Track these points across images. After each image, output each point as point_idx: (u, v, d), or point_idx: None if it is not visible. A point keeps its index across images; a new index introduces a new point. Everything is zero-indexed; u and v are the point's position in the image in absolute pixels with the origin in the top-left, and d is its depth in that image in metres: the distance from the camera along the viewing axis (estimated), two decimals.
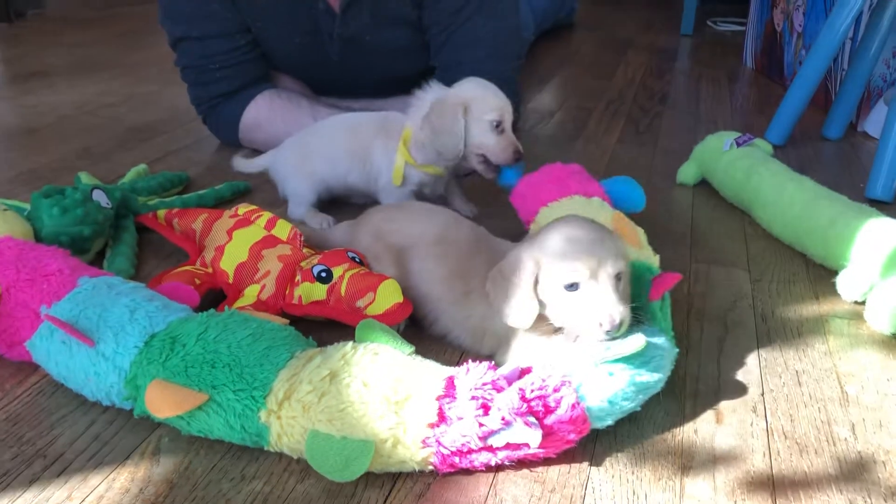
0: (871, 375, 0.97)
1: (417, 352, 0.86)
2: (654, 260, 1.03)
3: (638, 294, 0.92)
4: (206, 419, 0.79)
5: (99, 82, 2.31)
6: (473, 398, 0.77)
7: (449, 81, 1.60)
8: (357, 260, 1.05)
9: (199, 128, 1.78)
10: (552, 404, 0.78)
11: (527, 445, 0.76)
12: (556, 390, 0.78)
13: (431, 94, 1.29)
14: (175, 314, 0.88)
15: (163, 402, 0.77)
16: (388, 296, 0.97)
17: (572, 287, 0.85)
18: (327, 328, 1.00)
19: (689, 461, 0.81)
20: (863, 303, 1.10)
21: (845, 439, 0.85)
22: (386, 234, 1.08)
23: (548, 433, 0.77)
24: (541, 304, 0.88)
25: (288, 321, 0.91)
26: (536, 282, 0.87)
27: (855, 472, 0.80)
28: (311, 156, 1.38)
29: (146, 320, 0.85)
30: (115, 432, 0.84)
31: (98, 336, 0.84)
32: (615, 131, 1.94)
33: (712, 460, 0.81)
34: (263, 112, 1.62)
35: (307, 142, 1.40)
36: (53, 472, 0.78)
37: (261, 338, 0.83)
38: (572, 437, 0.79)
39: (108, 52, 2.75)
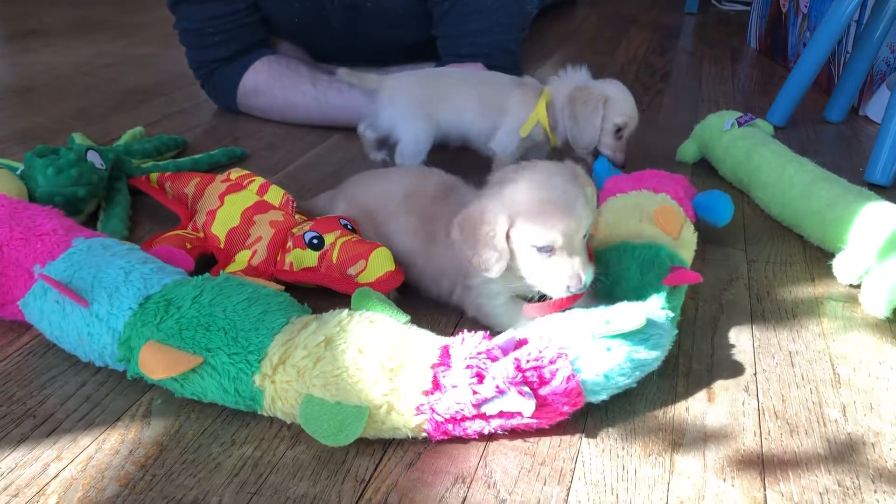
0: (863, 358, 0.97)
1: (413, 321, 0.86)
2: (685, 254, 1.03)
3: (651, 278, 0.93)
4: (199, 382, 0.79)
5: (97, 43, 2.28)
6: (468, 367, 0.77)
7: (451, 51, 1.60)
8: (349, 227, 1.04)
9: (198, 92, 1.76)
10: (547, 375, 0.78)
11: (520, 415, 0.76)
12: (551, 362, 0.78)
13: (574, 77, 1.34)
14: (170, 277, 0.87)
15: (157, 364, 0.77)
16: (379, 263, 0.97)
17: (544, 249, 0.86)
18: (322, 297, 0.99)
19: (679, 438, 0.81)
20: (858, 286, 1.10)
21: (836, 420, 0.85)
22: (360, 198, 1.10)
23: (542, 404, 0.77)
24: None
25: (283, 287, 0.91)
26: (507, 236, 0.87)
27: (844, 453, 0.81)
28: (434, 100, 1.35)
29: (141, 282, 0.85)
30: (106, 394, 0.84)
31: (92, 297, 0.84)
32: None
33: (703, 438, 0.81)
34: (262, 78, 1.61)
35: (429, 85, 1.37)
36: (43, 433, 0.78)
37: (256, 302, 0.83)
38: (566, 409, 0.79)
39: (107, 12, 2.72)
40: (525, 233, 0.86)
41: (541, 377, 0.78)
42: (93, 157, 1.18)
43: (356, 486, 0.73)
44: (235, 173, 1.13)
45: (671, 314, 0.89)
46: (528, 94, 1.35)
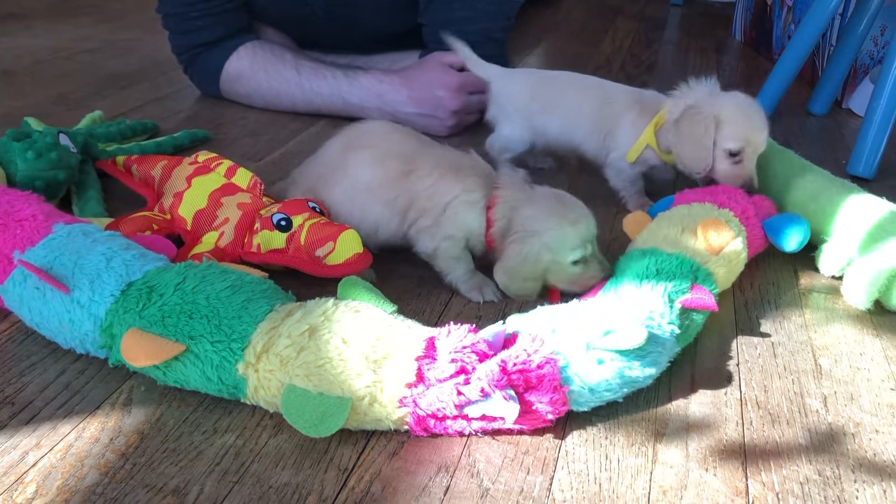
0: (844, 349, 0.98)
1: (400, 312, 0.85)
2: (719, 274, 0.98)
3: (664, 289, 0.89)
4: (182, 370, 0.78)
5: (78, 27, 2.25)
6: (453, 360, 0.76)
7: (436, 40, 1.59)
8: (317, 210, 1.04)
9: (180, 77, 1.74)
10: (533, 380, 0.77)
11: (502, 419, 0.76)
12: (539, 367, 0.77)
13: (697, 91, 1.21)
14: (152, 263, 0.86)
15: (139, 351, 0.76)
16: (347, 245, 0.97)
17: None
18: (306, 284, 0.99)
19: (662, 428, 0.81)
20: (840, 278, 1.11)
21: (817, 411, 0.86)
22: (304, 174, 1.14)
23: (525, 410, 0.76)
24: None
25: (267, 274, 0.90)
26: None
27: (825, 443, 0.81)
28: (544, 106, 1.30)
29: (123, 268, 0.84)
30: (87, 381, 0.83)
31: (73, 283, 0.83)
32: None
33: (685, 428, 0.82)
34: (245, 64, 1.59)
35: (540, 89, 1.32)
36: (22, 420, 0.77)
37: (240, 290, 0.82)
38: (550, 416, 0.78)
39: None
40: None
41: (526, 381, 0.76)
42: (64, 140, 1.17)
43: (339, 474, 0.73)
44: (203, 156, 1.12)
45: (676, 331, 0.86)
46: (643, 114, 1.24)
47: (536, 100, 1.30)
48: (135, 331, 0.78)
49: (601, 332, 0.80)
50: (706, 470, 0.76)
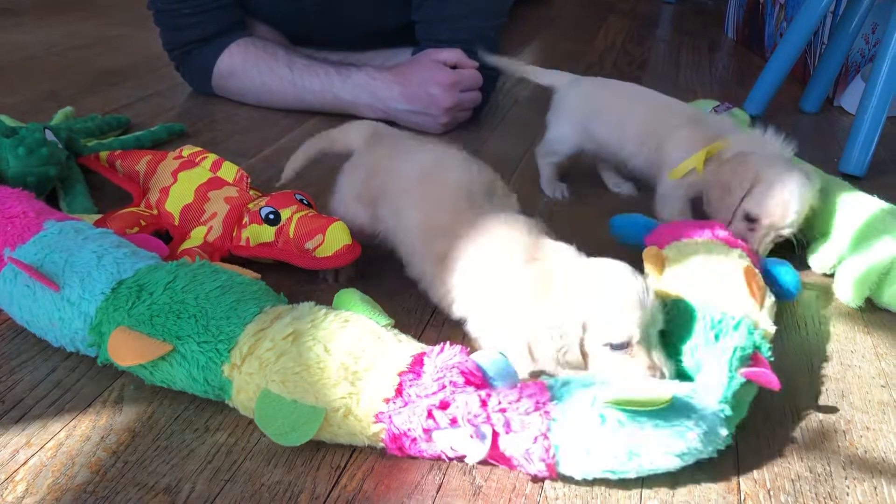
0: (835, 347, 0.98)
1: (395, 310, 0.84)
2: (768, 328, 0.87)
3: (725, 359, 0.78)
4: (169, 369, 0.78)
5: (69, 23, 2.24)
6: (437, 379, 0.73)
7: (429, 37, 1.59)
8: (305, 202, 1.04)
9: (172, 74, 1.74)
10: (515, 427, 0.71)
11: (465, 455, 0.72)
12: (526, 412, 0.71)
13: (762, 144, 1.11)
14: (143, 261, 0.86)
15: (125, 350, 0.76)
16: (336, 238, 0.97)
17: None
18: (299, 282, 0.99)
19: None
20: (832, 275, 1.11)
21: (808, 408, 0.86)
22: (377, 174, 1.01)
23: (498, 455, 0.72)
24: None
25: (259, 275, 0.89)
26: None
27: (816, 440, 0.81)
28: (596, 109, 1.26)
29: (114, 266, 0.84)
30: (77, 379, 0.82)
31: (63, 281, 0.83)
32: None
33: None
34: (238, 60, 1.59)
35: (599, 93, 1.29)
36: (12, 418, 0.77)
37: (230, 290, 0.82)
38: (532, 472, 0.72)
39: None
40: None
41: (507, 423, 0.71)
42: (50, 136, 1.17)
43: (331, 472, 0.73)
44: (188, 150, 1.12)
45: (727, 412, 0.73)
46: (697, 136, 1.15)
47: (590, 102, 1.27)
48: (122, 329, 0.78)
49: (614, 392, 0.71)
50: (698, 467, 0.76)
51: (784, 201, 1.04)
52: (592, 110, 1.26)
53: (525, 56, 2.28)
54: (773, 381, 0.78)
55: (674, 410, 0.70)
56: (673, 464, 0.71)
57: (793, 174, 1.06)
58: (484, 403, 0.71)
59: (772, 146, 1.11)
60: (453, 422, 0.71)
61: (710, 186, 1.11)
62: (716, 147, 1.12)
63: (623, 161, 1.25)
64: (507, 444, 0.71)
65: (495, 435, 0.71)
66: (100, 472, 0.71)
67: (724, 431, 0.73)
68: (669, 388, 0.72)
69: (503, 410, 0.71)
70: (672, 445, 0.70)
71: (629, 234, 1.08)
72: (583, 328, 0.77)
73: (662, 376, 0.77)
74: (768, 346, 0.83)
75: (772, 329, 0.87)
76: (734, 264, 0.91)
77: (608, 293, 0.77)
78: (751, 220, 1.06)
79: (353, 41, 1.70)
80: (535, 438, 0.70)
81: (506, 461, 0.73)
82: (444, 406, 0.72)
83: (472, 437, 0.70)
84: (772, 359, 0.82)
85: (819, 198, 1.09)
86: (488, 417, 0.71)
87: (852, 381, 0.91)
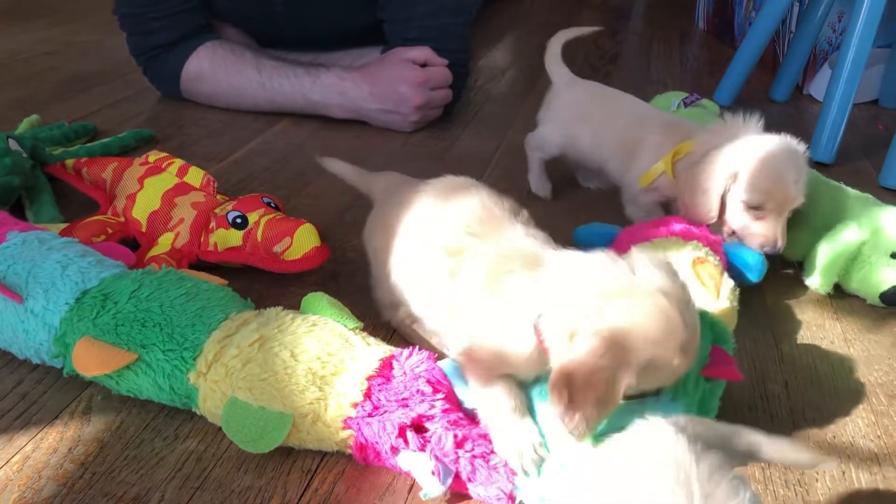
0: (805, 333, 0.99)
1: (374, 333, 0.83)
2: (730, 319, 0.87)
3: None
4: (134, 379, 0.77)
5: (36, 30, 2.21)
6: (407, 387, 0.73)
7: (398, 35, 1.58)
8: (273, 205, 1.04)
9: (140, 79, 1.72)
10: (481, 479, 0.70)
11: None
12: (495, 468, 0.70)
13: (732, 130, 1.06)
14: (109, 270, 0.85)
15: (90, 361, 0.75)
16: (305, 240, 0.97)
17: None
18: (268, 285, 0.98)
19: None
20: (801, 263, 1.12)
21: (778, 396, 0.87)
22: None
23: (460, 494, 0.71)
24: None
25: (226, 282, 0.89)
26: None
27: (786, 426, 0.82)
28: (581, 115, 1.24)
29: (78, 276, 0.83)
30: (44, 391, 0.81)
31: (27, 292, 0.82)
32: None
33: None
34: (205, 64, 1.57)
35: (585, 99, 1.26)
36: None
37: (195, 298, 0.81)
38: None
39: None
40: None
41: (473, 471, 0.70)
42: (14, 145, 1.15)
43: (302, 476, 0.73)
44: (154, 156, 1.11)
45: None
46: (669, 139, 1.12)
47: (577, 108, 1.27)
48: (87, 339, 0.77)
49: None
50: None
51: (780, 176, 0.99)
52: (578, 116, 1.26)
53: (497, 52, 2.28)
54: (734, 374, 0.76)
55: None
56: None
57: (776, 146, 1.02)
58: (459, 444, 0.70)
59: (734, 128, 1.06)
60: (422, 448, 0.70)
61: (682, 192, 1.07)
62: (683, 148, 1.09)
63: (600, 165, 1.23)
64: (475, 489, 0.70)
65: (458, 475, 0.70)
66: (67, 484, 0.70)
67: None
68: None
69: (474, 458, 0.70)
70: None
71: (593, 244, 1.06)
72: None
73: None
74: (729, 334, 0.82)
75: (731, 322, 0.86)
76: (682, 257, 0.90)
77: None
78: (754, 208, 1.01)
79: (322, 41, 1.69)
80: (498, 497, 0.69)
81: (466, 492, 0.72)
82: (417, 422, 0.72)
83: (433, 472, 0.69)
84: (734, 346, 0.82)
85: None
86: (457, 460, 0.70)
87: (821, 368, 0.92)
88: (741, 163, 1.01)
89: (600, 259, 0.69)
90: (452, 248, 0.78)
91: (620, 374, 0.64)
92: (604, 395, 0.64)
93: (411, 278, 0.83)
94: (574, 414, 0.64)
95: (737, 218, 1.03)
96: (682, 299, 0.66)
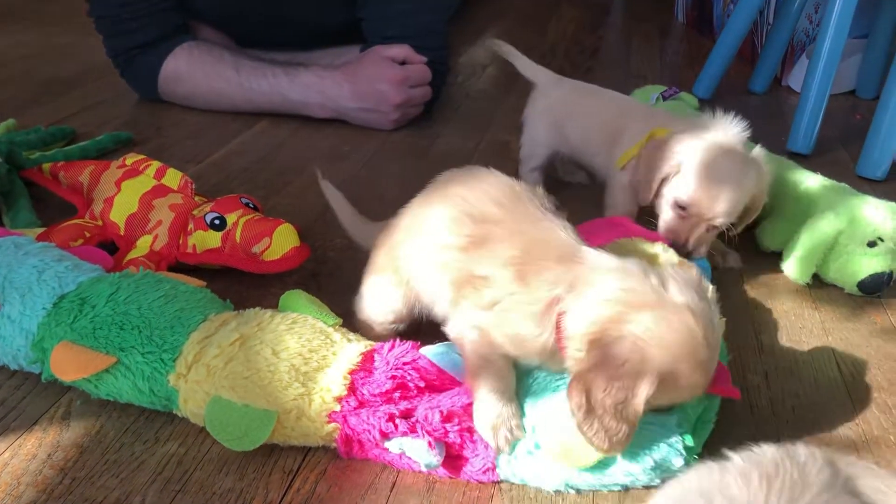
0: (784, 324, 0.99)
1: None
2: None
3: None
4: (114, 382, 0.77)
5: (12, 33, 2.19)
6: (392, 377, 0.73)
7: (377, 34, 1.58)
8: (251, 206, 1.04)
9: (118, 82, 1.71)
10: (467, 454, 0.72)
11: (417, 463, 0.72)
12: (481, 441, 0.71)
13: (706, 127, 1.04)
14: (86, 274, 0.85)
15: (68, 365, 0.75)
16: (284, 240, 0.97)
17: None
18: (248, 287, 0.98)
19: None
20: (780, 253, 1.12)
21: (758, 386, 0.87)
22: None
23: (453, 467, 0.73)
24: None
25: (204, 283, 0.88)
26: None
27: (766, 416, 0.83)
28: (568, 113, 1.24)
29: (55, 281, 0.82)
30: (23, 397, 0.81)
31: (4, 298, 0.81)
32: None
33: None
34: (183, 65, 1.56)
35: (570, 97, 1.26)
36: None
37: (173, 300, 0.81)
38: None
39: (21, 0, 2.62)
40: None
41: (459, 447, 0.72)
42: None
43: (284, 477, 0.73)
44: (131, 158, 1.10)
45: (689, 440, 0.70)
46: (650, 127, 1.11)
47: (564, 106, 1.27)
48: (65, 344, 0.76)
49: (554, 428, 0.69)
50: None
51: (710, 192, 0.98)
52: (565, 114, 1.25)
53: (478, 48, 2.28)
54: (734, 392, 0.77)
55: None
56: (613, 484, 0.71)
57: (728, 164, 1.00)
58: (446, 419, 0.71)
59: (717, 132, 1.02)
60: (412, 429, 0.71)
61: (636, 170, 1.08)
62: (657, 132, 1.09)
63: (588, 161, 1.24)
64: (463, 458, 0.72)
65: (450, 448, 0.72)
66: (47, 490, 0.70)
67: (678, 461, 0.69)
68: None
69: (462, 431, 0.71)
70: (614, 479, 0.70)
71: None
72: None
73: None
74: (725, 346, 0.82)
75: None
76: (668, 258, 0.93)
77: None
78: (680, 207, 1.01)
79: (300, 40, 1.68)
80: (484, 470, 0.71)
81: (457, 472, 0.73)
82: (404, 413, 0.72)
83: (429, 445, 0.70)
84: (728, 357, 0.83)
85: (767, 191, 1.05)
86: (446, 434, 0.71)
87: (800, 356, 0.93)
88: (687, 159, 1.01)
89: (634, 267, 0.69)
90: (477, 213, 0.77)
91: (640, 386, 0.64)
92: (623, 405, 0.64)
93: (424, 244, 0.80)
94: (592, 422, 0.65)
95: (665, 207, 1.04)
96: (708, 318, 0.67)
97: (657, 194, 1.05)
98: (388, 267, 0.85)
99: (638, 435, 0.67)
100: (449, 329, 0.78)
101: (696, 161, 1.00)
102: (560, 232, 0.75)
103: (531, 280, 0.71)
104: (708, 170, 0.99)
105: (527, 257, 0.72)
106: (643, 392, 0.64)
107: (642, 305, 0.66)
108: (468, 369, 0.73)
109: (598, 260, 0.72)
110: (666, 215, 1.04)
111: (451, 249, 0.77)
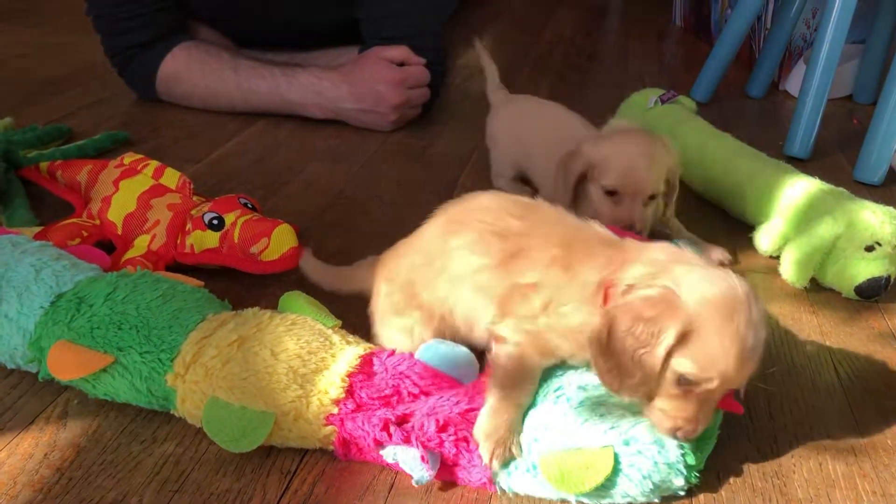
0: (782, 328, 0.99)
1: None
2: None
3: None
4: (111, 382, 0.76)
5: (8, 32, 2.19)
6: (390, 383, 0.74)
7: (374, 34, 1.58)
8: (250, 206, 1.03)
9: (116, 81, 1.70)
10: (464, 463, 0.71)
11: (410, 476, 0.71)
12: (470, 451, 0.71)
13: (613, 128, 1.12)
14: (83, 273, 0.84)
15: (65, 364, 0.75)
16: (282, 240, 0.97)
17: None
18: (246, 287, 0.98)
19: None
20: (778, 257, 1.12)
21: (755, 389, 0.87)
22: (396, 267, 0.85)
23: (449, 476, 0.72)
24: None
25: (203, 283, 0.88)
26: None
27: (763, 420, 0.83)
28: (520, 134, 1.27)
29: (52, 280, 0.82)
30: (19, 396, 0.81)
31: (1, 296, 0.81)
32: (543, 88, 1.92)
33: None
34: (181, 64, 1.56)
35: (522, 117, 1.29)
36: None
37: (171, 299, 0.80)
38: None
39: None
40: None
41: (455, 456, 0.71)
42: None
43: (282, 478, 0.72)
44: (129, 158, 1.10)
45: (690, 459, 0.69)
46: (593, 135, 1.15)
47: (516, 126, 1.29)
48: (62, 343, 0.76)
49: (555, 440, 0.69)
50: None
51: (630, 165, 1.04)
52: (518, 136, 1.28)
53: (473, 50, 2.28)
54: (738, 407, 0.77)
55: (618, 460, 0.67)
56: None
57: (630, 138, 1.07)
58: (441, 429, 0.71)
59: (619, 126, 1.13)
60: (406, 439, 0.71)
61: (556, 176, 1.10)
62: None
63: (539, 182, 1.24)
64: (459, 467, 0.72)
65: (445, 459, 0.71)
66: (43, 489, 0.70)
67: (678, 482, 0.68)
68: (618, 433, 0.67)
69: (457, 441, 0.71)
70: (613, 501, 0.69)
71: None
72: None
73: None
74: None
75: None
76: None
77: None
78: (611, 193, 1.05)
79: (298, 41, 1.68)
80: (481, 481, 0.71)
81: (452, 478, 0.73)
82: (400, 419, 0.72)
83: (422, 459, 0.69)
84: None
85: (674, 155, 1.08)
86: (441, 444, 0.71)
87: (798, 360, 0.93)
88: (598, 152, 1.06)
89: (684, 245, 0.71)
90: (499, 230, 0.77)
91: (664, 332, 0.62)
92: (642, 349, 0.62)
93: (454, 275, 0.78)
94: (608, 357, 0.63)
95: (597, 201, 1.07)
96: (758, 310, 0.66)
97: (578, 196, 1.09)
98: (409, 306, 0.82)
99: (637, 457, 0.67)
100: (495, 349, 0.75)
101: (607, 149, 1.06)
102: (593, 224, 0.76)
103: (578, 269, 0.71)
104: (620, 147, 1.06)
105: (570, 251, 0.73)
106: (666, 340, 0.62)
107: (686, 262, 0.66)
108: (494, 378, 0.72)
109: (641, 243, 0.73)
110: (601, 207, 1.07)
111: (486, 270, 0.76)
